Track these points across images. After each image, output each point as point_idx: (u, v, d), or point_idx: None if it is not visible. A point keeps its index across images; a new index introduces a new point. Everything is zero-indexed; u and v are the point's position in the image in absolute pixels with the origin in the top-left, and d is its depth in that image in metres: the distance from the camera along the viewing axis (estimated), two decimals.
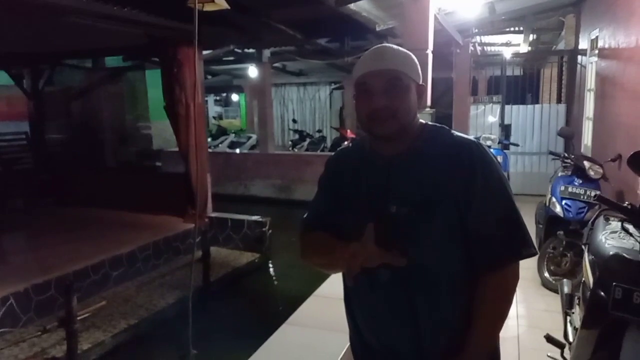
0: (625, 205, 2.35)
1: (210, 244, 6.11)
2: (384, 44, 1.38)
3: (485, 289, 1.29)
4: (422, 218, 1.27)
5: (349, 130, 12.64)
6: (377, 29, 6.29)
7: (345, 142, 11.68)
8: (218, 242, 6.90)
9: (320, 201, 1.49)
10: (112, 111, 9.66)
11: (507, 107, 8.41)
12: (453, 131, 1.37)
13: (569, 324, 2.90)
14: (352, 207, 1.38)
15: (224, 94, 19.28)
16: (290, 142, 14.22)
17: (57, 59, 8.25)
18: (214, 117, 18.78)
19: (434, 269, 1.29)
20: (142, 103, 10.26)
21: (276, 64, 12.07)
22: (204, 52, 6.66)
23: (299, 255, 1.46)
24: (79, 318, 3.91)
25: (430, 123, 1.40)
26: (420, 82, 1.34)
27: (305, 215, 1.51)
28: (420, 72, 1.34)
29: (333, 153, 1.58)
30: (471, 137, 1.36)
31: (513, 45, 10.95)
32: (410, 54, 1.34)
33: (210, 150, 10.12)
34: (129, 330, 4.56)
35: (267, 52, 10.22)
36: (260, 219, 6.96)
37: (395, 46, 1.35)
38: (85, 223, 6.69)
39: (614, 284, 2.08)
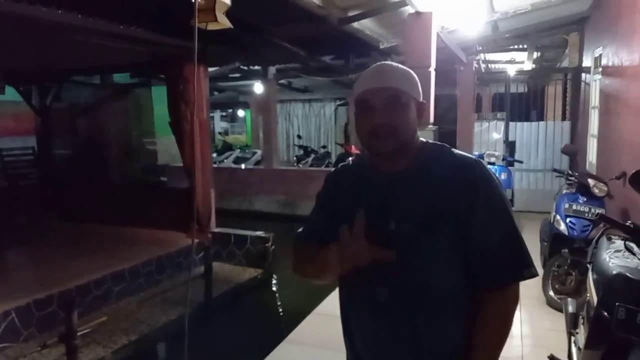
0: (627, 224, 2.33)
1: (213, 259, 6.10)
2: (384, 62, 1.38)
3: (486, 309, 1.28)
4: (423, 236, 1.26)
5: (353, 147, 12.66)
6: (381, 46, 6.34)
7: (350, 158, 11.70)
8: (221, 258, 6.89)
9: (316, 216, 1.48)
10: (118, 127, 9.75)
11: (512, 124, 8.42)
12: (454, 150, 1.36)
13: (573, 344, 2.85)
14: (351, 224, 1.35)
15: (230, 110, 19.42)
16: (294, 158, 14.26)
17: (65, 75, 8.36)
18: (220, 133, 18.89)
19: (434, 287, 1.27)
20: (148, 119, 10.36)
21: (281, 81, 12.17)
22: (210, 69, 6.74)
23: (292, 270, 1.44)
24: (79, 334, 3.89)
25: (431, 141, 1.40)
26: (421, 100, 1.34)
27: (300, 230, 1.50)
28: (420, 89, 1.34)
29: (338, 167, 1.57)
30: (473, 156, 1.35)
31: (517, 62, 10.98)
32: (411, 71, 1.34)
33: (215, 165, 10.16)
34: (129, 347, 4.53)
35: (272, 69, 10.32)
36: (264, 235, 6.94)
37: (395, 64, 1.36)
38: (89, 238, 6.71)
39: (617, 304, 2.05)
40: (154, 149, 10.67)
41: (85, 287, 5.03)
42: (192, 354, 3.63)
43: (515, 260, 1.28)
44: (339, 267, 1.26)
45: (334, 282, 1.43)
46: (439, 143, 1.40)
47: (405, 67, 1.35)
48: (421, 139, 1.38)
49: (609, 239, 2.66)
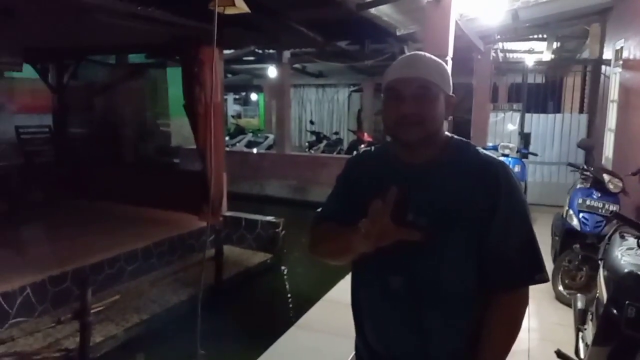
0: None
1: (224, 242, 6.16)
2: (416, 52, 1.38)
3: (495, 311, 1.29)
4: (440, 230, 1.26)
5: (365, 134, 12.62)
6: (398, 33, 6.26)
7: (362, 145, 11.66)
8: (231, 241, 6.96)
9: (335, 199, 1.49)
10: (133, 107, 9.81)
11: (528, 116, 8.31)
12: (480, 149, 1.36)
13: (580, 340, 2.85)
14: (364, 212, 1.32)
15: (244, 93, 19.40)
16: (306, 144, 14.25)
17: (82, 54, 8.41)
18: (233, 116, 18.92)
19: (445, 283, 1.28)
20: (163, 100, 10.40)
21: (296, 65, 12.11)
22: (225, 52, 6.72)
23: (308, 249, 1.45)
24: (93, 311, 3.98)
25: (457, 137, 1.39)
26: (451, 93, 1.33)
27: (318, 210, 1.51)
28: (451, 82, 1.33)
29: (352, 154, 1.57)
30: (498, 158, 1.35)
31: (536, 52, 10.80)
32: (443, 63, 1.34)
33: (227, 149, 10.20)
34: (141, 325, 4.63)
35: (287, 53, 10.27)
36: (274, 220, 6.99)
37: (428, 55, 1.34)
38: (103, 217, 6.81)
39: (627, 302, 2.05)
40: (167, 130, 10.73)
41: (99, 265, 5.13)
42: (201, 335, 3.71)
43: (529, 264, 1.29)
44: (363, 244, 1.24)
45: (348, 265, 1.44)
46: (465, 140, 1.39)
47: (437, 59, 1.34)
48: (447, 133, 1.38)
49: (622, 236, 2.64)
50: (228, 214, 7.20)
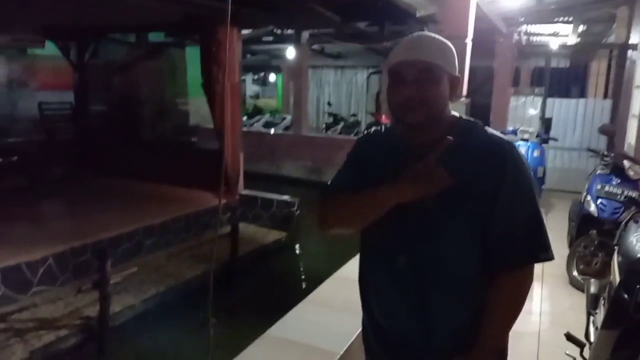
0: None
1: (240, 220, 6.25)
2: (419, 33, 1.36)
3: (499, 289, 1.30)
4: (446, 210, 1.27)
5: (384, 116, 12.53)
6: (418, 14, 6.17)
7: (383, 125, 11.59)
8: (247, 219, 7.06)
9: (345, 176, 1.49)
10: (152, 86, 9.90)
11: (550, 100, 8.16)
12: (487, 128, 1.36)
13: (591, 324, 2.85)
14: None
15: (262, 74, 19.38)
16: (324, 125, 14.23)
17: (103, 32, 8.48)
18: (251, 97, 18.94)
19: (450, 262, 1.30)
20: (181, 79, 10.46)
21: (314, 46, 12.03)
22: (244, 32, 6.72)
23: (318, 223, 1.44)
24: (112, 282, 4.10)
25: (464, 117, 1.39)
26: (456, 74, 1.33)
27: (327, 185, 1.51)
28: (456, 63, 1.33)
29: (363, 133, 1.57)
30: (505, 137, 1.35)
31: (561, 36, 10.52)
32: (448, 44, 1.33)
33: (245, 129, 10.25)
34: (157, 297, 4.77)
35: (305, 34, 10.21)
36: (289, 199, 7.06)
37: (432, 35, 1.34)
38: (122, 193, 6.95)
39: (638, 286, 2.04)
40: (186, 109, 10.82)
41: (118, 238, 5.26)
42: (214, 307, 3.79)
43: (533, 242, 1.30)
44: (408, 191, 1.25)
45: (359, 244, 1.46)
46: (472, 120, 1.39)
47: (442, 39, 1.33)
48: (454, 113, 1.38)
49: (637, 222, 2.61)
50: (244, 192, 7.29)
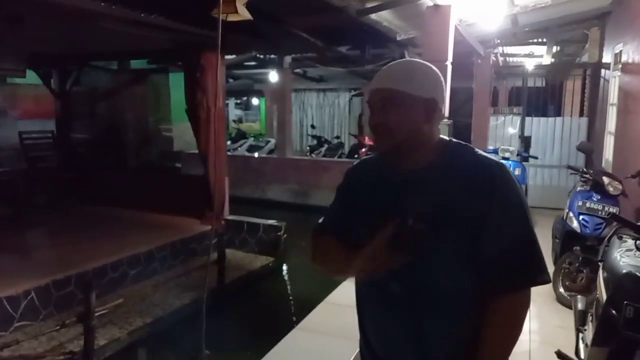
0: (639, 224, 2.34)
1: (226, 246, 6.19)
2: (398, 60, 1.38)
3: (496, 313, 1.27)
4: (436, 235, 1.26)
5: (367, 138, 12.65)
6: (398, 38, 6.32)
7: (363, 149, 11.70)
8: (234, 245, 6.99)
9: (335, 209, 1.51)
10: (135, 112, 9.87)
11: (528, 119, 8.36)
12: (477, 150, 1.35)
13: (580, 341, 2.88)
14: (367, 221, 1.36)
15: (245, 98, 19.48)
16: (308, 148, 14.29)
17: (85, 60, 8.47)
18: (234, 120, 18.97)
19: (443, 287, 1.28)
20: (165, 105, 10.46)
21: (297, 70, 12.17)
22: (227, 57, 6.78)
23: (311, 258, 1.48)
24: (96, 314, 4.01)
25: (454, 140, 1.38)
26: (430, 96, 1.29)
27: (320, 221, 1.54)
28: (430, 86, 1.30)
29: (354, 160, 1.62)
30: (496, 159, 1.35)
31: (536, 56, 10.85)
32: (421, 67, 1.33)
33: (229, 153, 10.24)
34: (144, 328, 4.66)
35: (288, 58, 10.33)
36: (276, 223, 7.03)
37: (405, 61, 1.37)
38: (106, 222, 6.85)
39: (625, 302, 2.07)
40: (170, 135, 10.79)
41: (102, 269, 5.16)
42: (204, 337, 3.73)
43: (529, 265, 1.28)
44: (359, 271, 1.33)
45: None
46: (463, 143, 1.38)
47: (416, 63, 1.34)
48: (442, 136, 1.37)
49: (621, 238, 2.67)
50: (230, 217, 7.24)
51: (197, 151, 6.93)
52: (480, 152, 1.35)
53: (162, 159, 10.25)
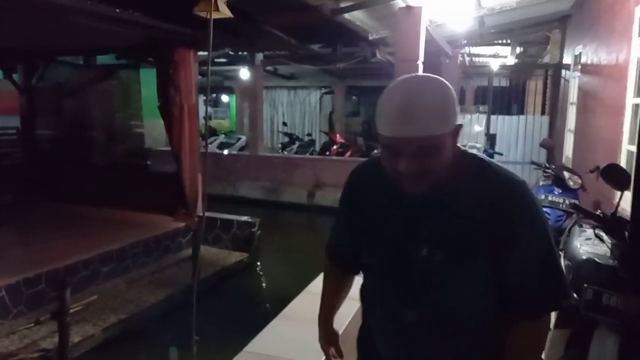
0: (597, 213, 2.52)
1: (200, 242, 6.19)
2: (409, 98, 1.09)
3: (518, 337, 1.22)
4: (458, 265, 1.17)
5: (338, 135, 12.80)
6: (370, 37, 6.45)
7: (335, 146, 11.84)
8: (207, 242, 6.99)
9: (340, 231, 1.45)
10: (104, 109, 9.68)
11: (493, 117, 8.67)
12: (493, 164, 1.22)
13: None
14: (377, 247, 1.28)
15: (214, 95, 19.32)
16: (279, 145, 14.34)
17: (51, 55, 8.27)
18: (204, 117, 18.78)
19: (465, 315, 1.22)
20: (136, 101, 10.30)
21: (268, 67, 12.19)
22: (199, 54, 6.76)
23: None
24: (70, 311, 3.98)
25: (468, 152, 1.24)
26: (457, 123, 1.14)
27: (328, 243, 1.51)
28: (457, 110, 1.14)
29: (325, 158, 1.58)
30: (515, 175, 1.21)
31: (500, 57, 11.22)
32: (445, 93, 1.11)
33: (200, 150, 10.15)
34: (118, 325, 4.64)
35: (259, 56, 10.34)
36: (250, 220, 7.06)
37: (424, 96, 1.09)
38: (76, 220, 6.73)
39: (585, 286, 2.24)
40: (141, 132, 10.63)
41: (74, 267, 5.09)
42: (180, 333, 3.81)
43: (553, 288, 1.20)
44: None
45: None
46: (478, 156, 1.25)
47: (439, 94, 1.11)
48: (457, 146, 1.20)
49: (581, 226, 2.86)
50: (203, 214, 7.21)
51: (166, 148, 6.88)
52: (497, 165, 1.23)
53: (133, 156, 10.10)
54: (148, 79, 8.60)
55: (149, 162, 10.36)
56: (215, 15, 2.66)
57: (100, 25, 4.49)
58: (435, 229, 1.18)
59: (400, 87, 1.13)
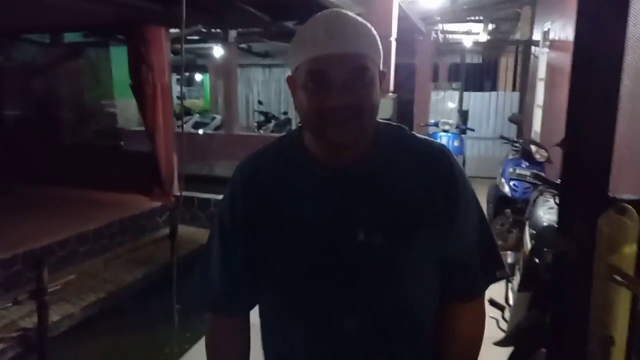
0: (557, 182, 2.67)
1: (177, 222, 6.21)
2: (337, 11, 0.99)
3: (461, 322, 1.12)
4: (400, 248, 1.01)
5: None
6: None
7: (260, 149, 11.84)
8: (185, 221, 7.01)
9: (229, 256, 1.10)
10: (73, 88, 9.45)
11: (466, 94, 8.83)
12: (412, 132, 1.12)
13: (509, 290, 3.24)
14: (299, 246, 1.02)
15: (187, 74, 19.00)
16: (255, 124, 14.28)
17: (17, 33, 8.01)
18: (178, 97, 18.50)
19: (414, 308, 1.06)
20: (106, 80, 10.09)
21: (242, 45, 12.05)
22: (171, 31, 6.66)
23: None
24: (49, 291, 3.98)
25: (383, 122, 1.09)
26: (380, 67, 1.02)
27: (207, 287, 1.15)
28: (382, 52, 1.02)
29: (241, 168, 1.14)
30: (437, 141, 1.14)
31: (473, 34, 11.34)
32: (369, 26, 0.99)
33: (175, 130, 10.05)
34: (97, 303, 4.67)
35: (233, 33, 10.21)
36: None
37: (353, 16, 0.98)
38: (50, 201, 6.65)
39: (545, 250, 2.39)
40: (113, 111, 10.45)
41: (50, 247, 5.08)
42: (160, 308, 3.89)
43: (490, 263, 1.12)
44: None
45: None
46: (394, 124, 1.12)
47: (365, 22, 0.99)
48: None
49: (544, 196, 3.02)
50: (179, 194, 7.20)
51: (139, 128, 6.82)
52: (417, 134, 1.13)
53: (105, 136, 9.94)
54: (119, 58, 8.42)
55: (122, 142, 10.22)
56: None
57: (67, 1, 4.39)
58: (369, 209, 1.00)
59: (323, 13, 1.00)
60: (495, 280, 1.13)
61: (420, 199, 1.02)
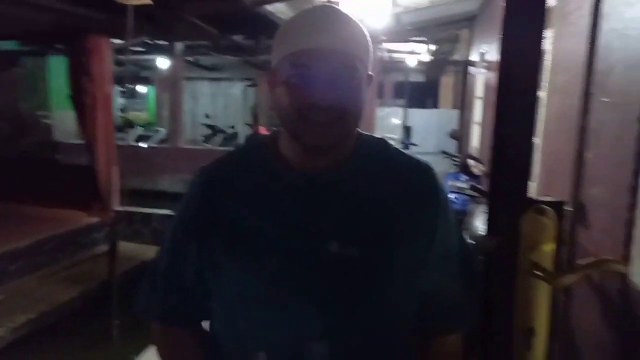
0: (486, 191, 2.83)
1: (118, 238, 5.99)
2: (330, 5, 0.95)
3: (433, 356, 1.04)
4: (379, 262, 0.92)
5: (262, 128, 12.79)
6: None
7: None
8: (126, 236, 6.76)
9: (181, 266, 1.00)
10: (7, 99, 8.98)
11: (410, 111, 9.15)
12: (395, 147, 1.08)
13: None
14: (263, 260, 0.92)
15: (130, 86, 18.50)
16: (202, 137, 14.08)
17: None
18: (121, 109, 17.94)
19: (391, 329, 0.96)
20: (42, 91, 9.65)
21: (188, 58, 11.92)
22: (115, 42, 6.50)
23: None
24: None
25: (365, 133, 1.05)
26: (369, 71, 0.96)
27: (156, 294, 1.05)
28: (371, 55, 0.96)
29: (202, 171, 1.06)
30: (420, 157, 1.07)
31: (416, 53, 11.79)
32: (364, 27, 0.93)
33: (118, 143, 9.74)
34: (28, 325, 4.41)
35: (180, 45, 10.09)
36: (170, 213, 6.92)
37: (346, 13, 0.92)
38: None
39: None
40: (49, 123, 9.99)
41: None
42: (96, 327, 3.72)
43: (471, 298, 1.05)
44: None
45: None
46: (376, 136, 1.09)
47: (353, 20, 0.93)
48: None
49: (479, 207, 3.18)
50: (120, 209, 6.97)
51: (77, 141, 6.58)
52: (397, 147, 1.08)
53: (41, 149, 9.48)
54: (56, 68, 8.10)
55: (58, 156, 9.78)
56: (135, 2, 2.62)
57: (1, 7, 4.20)
58: (343, 217, 0.93)
59: (314, 6, 0.94)
60: (475, 318, 1.07)
61: (400, 216, 0.95)
